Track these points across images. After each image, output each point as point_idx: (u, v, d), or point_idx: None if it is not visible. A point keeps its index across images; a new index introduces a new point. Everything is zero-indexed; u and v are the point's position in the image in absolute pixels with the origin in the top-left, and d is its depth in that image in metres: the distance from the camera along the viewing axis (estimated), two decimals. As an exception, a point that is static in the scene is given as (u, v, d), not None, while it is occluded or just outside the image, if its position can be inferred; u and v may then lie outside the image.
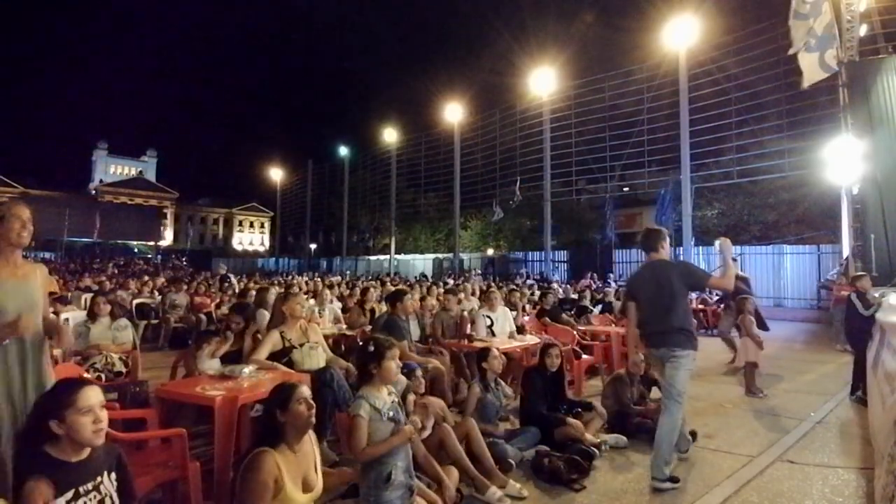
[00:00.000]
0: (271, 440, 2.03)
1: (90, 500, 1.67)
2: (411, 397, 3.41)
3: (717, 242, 3.73)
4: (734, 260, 3.89)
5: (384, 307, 6.53)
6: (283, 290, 7.22)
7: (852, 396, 5.26)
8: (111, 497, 1.74)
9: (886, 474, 2.55)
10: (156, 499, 2.67)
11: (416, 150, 28.37)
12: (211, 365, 3.60)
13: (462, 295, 7.27)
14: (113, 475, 1.77)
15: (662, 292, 3.42)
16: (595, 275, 17.59)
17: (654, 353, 3.50)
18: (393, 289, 7.87)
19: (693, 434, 3.66)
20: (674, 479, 3.23)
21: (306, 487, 2.09)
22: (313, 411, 2.13)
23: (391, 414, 2.50)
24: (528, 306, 8.45)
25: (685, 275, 3.50)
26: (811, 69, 11.19)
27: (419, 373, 3.64)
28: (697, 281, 3.63)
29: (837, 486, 3.24)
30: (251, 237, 73.46)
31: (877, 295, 5.77)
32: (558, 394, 4.24)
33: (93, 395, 1.70)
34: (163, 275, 19.14)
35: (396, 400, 2.63)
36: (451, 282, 14.91)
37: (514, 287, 9.76)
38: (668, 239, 3.67)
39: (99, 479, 1.71)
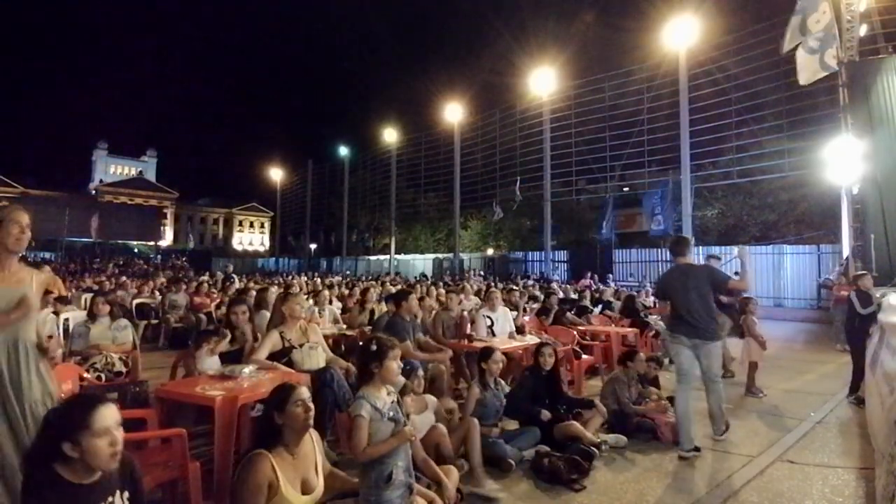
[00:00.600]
0: (268, 442, 2.02)
1: None
2: (408, 399, 3.41)
3: (736, 250, 4.24)
4: (716, 258, 4.36)
5: (384, 307, 6.54)
6: (283, 290, 7.22)
7: (850, 397, 5.26)
8: None
9: (886, 474, 2.55)
10: (156, 499, 2.66)
11: (416, 150, 28.37)
12: (211, 364, 3.60)
13: (462, 295, 7.27)
14: (126, 494, 1.70)
15: (689, 294, 3.90)
16: (595, 275, 17.60)
17: (685, 342, 3.94)
18: (392, 289, 7.87)
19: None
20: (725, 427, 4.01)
21: (306, 489, 2.07)
22: (311, 413, 2.11)
23: (391, 414, 2.50)
24: (527, 306, 8.44)
25: (708, 277, 4.01)
26: (811, 68, 11.19)
27: (420, 372, 3.63)
28: (719, 282, 4.08)
29: (837, 486, 3.24)
30: (251, 237, 73.45)
31: (878, 295, 5.76)
32: (556, 393, 4.24)
33: (109, 415, 1.60)
34: (162, 275, 19.12)
35: (396, 400, 2.63)
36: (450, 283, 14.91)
37: (514, 287, 9.75)
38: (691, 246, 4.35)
39: (111, 499, 1.64)
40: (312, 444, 2.20)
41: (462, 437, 3.36)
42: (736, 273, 5.81)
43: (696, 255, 15.93)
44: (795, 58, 11.43)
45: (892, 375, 3.22)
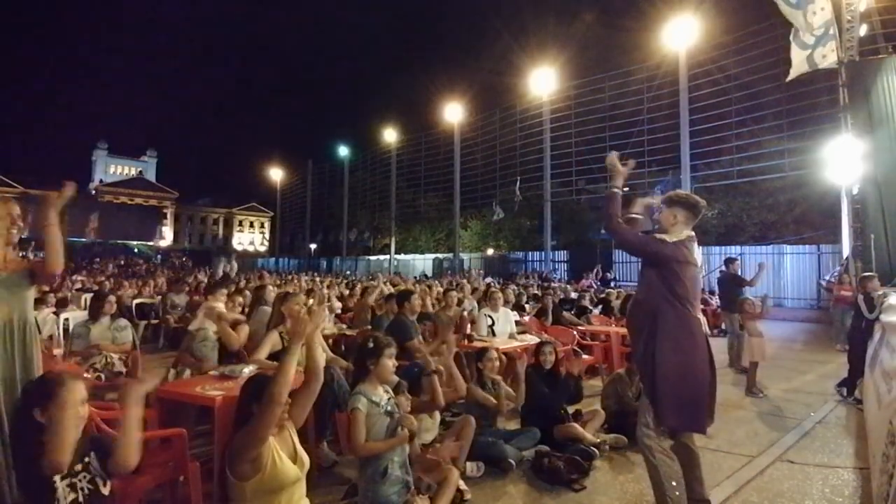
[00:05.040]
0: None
1: (81, 479, 1.75)
2: (402, 398, 3.40)
3: (758, 264, 7.34)
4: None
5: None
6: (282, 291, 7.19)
7: (849, 398, 5.27)
8: (101, 476, 1.81)
9: (880, 474, 2.54)
10: (156, 499, 2.66)
11: (416, 150, 28.38)
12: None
13: (461, 295, 7.25)
14: (93, 454, 1.84)
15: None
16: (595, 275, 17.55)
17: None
18: (392, 289, 7.85)
19: None
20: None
21: (295, 460, 2.08)
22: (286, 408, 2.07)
23: (388, 408, 2.53)
24: (527, 305, 8.44)
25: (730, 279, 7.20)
26: (798, 63, 11.21)
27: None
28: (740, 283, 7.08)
29: (837, 486, 3.24)
30: (251, 237, 73.34)
31: (879, 293, 5.74)
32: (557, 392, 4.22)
33: (77, 390, 1.77)
34: (162, 275, 19.10)
35: (391, 397, 2.66)
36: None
37: (510, 285, 9.72)
38: (737, 260, 7.46)
39: (87, 459, 1.80)
40: (288, 430, 2.16)
41: (457, 431, 3.36)
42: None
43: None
44: (790, 53, 11.46)
45: (890, 374, 3.22)
